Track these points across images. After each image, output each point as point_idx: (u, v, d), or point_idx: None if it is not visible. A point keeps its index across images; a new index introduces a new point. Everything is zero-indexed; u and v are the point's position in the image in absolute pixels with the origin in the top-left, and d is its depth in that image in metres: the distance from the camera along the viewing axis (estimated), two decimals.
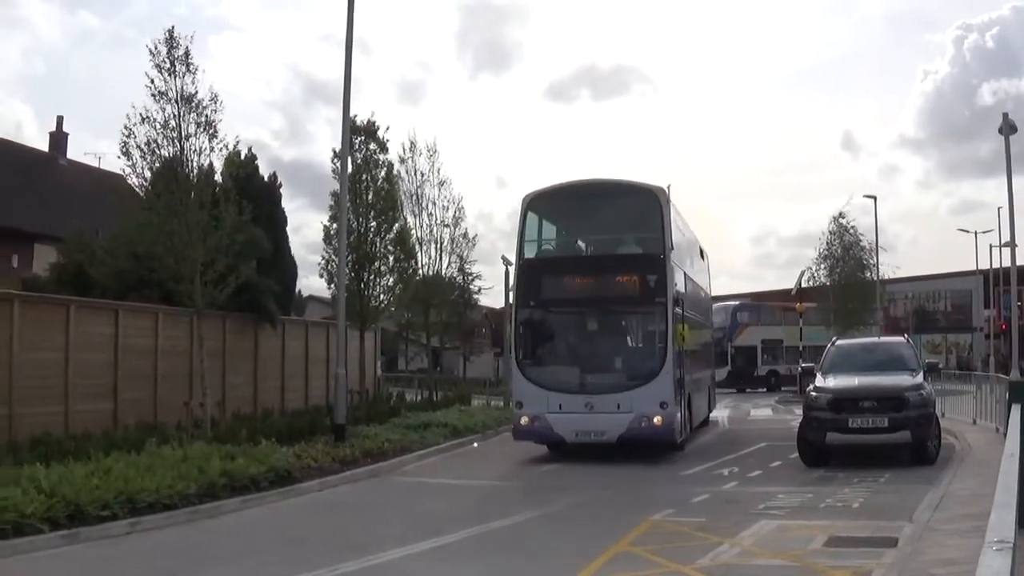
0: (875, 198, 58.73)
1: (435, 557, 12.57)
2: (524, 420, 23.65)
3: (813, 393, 21.48)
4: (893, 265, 59.93)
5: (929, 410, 20.83)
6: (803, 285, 59.13)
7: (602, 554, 12.31)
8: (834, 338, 27.28)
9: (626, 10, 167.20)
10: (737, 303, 68.21)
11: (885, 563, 11.13)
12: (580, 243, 26.98)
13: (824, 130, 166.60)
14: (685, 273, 26.76)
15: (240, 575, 12.22)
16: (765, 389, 61.73)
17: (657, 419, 22.44)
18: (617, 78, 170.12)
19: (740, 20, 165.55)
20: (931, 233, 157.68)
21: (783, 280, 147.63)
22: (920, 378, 21.48)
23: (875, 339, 28.65)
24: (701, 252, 34.05)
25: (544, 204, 25.49)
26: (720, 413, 38.60)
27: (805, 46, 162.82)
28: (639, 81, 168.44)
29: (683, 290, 25.56)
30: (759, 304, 71.14)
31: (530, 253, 25.39)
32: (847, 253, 56.33)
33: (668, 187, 25.53)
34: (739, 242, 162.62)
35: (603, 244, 25.99)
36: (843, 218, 56.31)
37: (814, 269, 58.06)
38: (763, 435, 28.38)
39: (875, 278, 56.88)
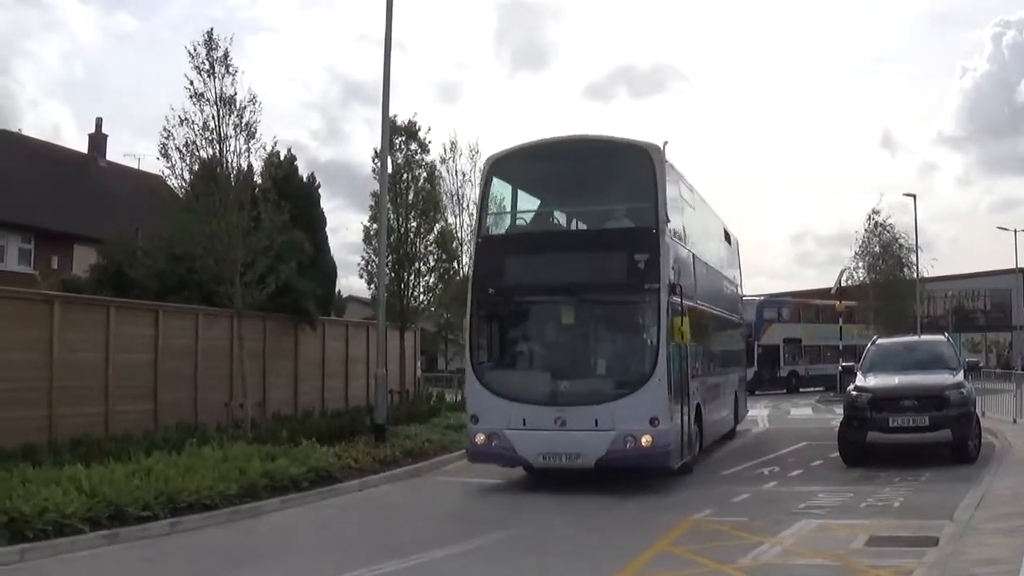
0: (914, 196, 58.40)
1: (477, 558, 12.60)
2: (480, 438, 18.86)
3: (854, 392, 21.39)
4: (931, 259, 59.45)
5: (969, 409, 20.71)
6: (843, 284, 58.91)
7: (643, 553, 12.33)
8: (875, 337, 27.12)
9: (662, 8, 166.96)
10: (762, 298, 62.54)
11: (926, 562, 11.06)
12: (556, 216, 22.22)
13: (863, 127, 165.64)
14: (694, 255, 22.25)
15: (282, 575, 12.32)
16: (785, 391, 58.69)
17: (646, 439, 17.65)
18: (654, 77, 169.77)
19: (777, 18, 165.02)
20: (970, 231, 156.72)
21: (822, 279, 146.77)
22: (960, 377, 21.39)
23: (915, 338, 28.44)
24: (727, 235, 29.95)
25: (512, 168, 20.87)
26: (759, 412, 38.43)
27: (843, 43, 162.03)
28: (676, 79, 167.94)
29: (690, 274, 21.37)
30: (783, 300, 67.80)
31: (494, 228, 21.26)
32: (886, 251, 56.07)
33: (664, 144, 21.03)
34: (778, 241, 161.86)
35: (582, 217, 21.66)
36: (877, 215, 56.10)
37: (852, 268, 57.90)
38: (803, 434, 28.22)
39: (915, 276, 56.59)
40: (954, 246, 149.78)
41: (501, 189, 21.41)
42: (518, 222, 21.40)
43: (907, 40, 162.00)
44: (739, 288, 32.70)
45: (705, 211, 25.65)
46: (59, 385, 19.98)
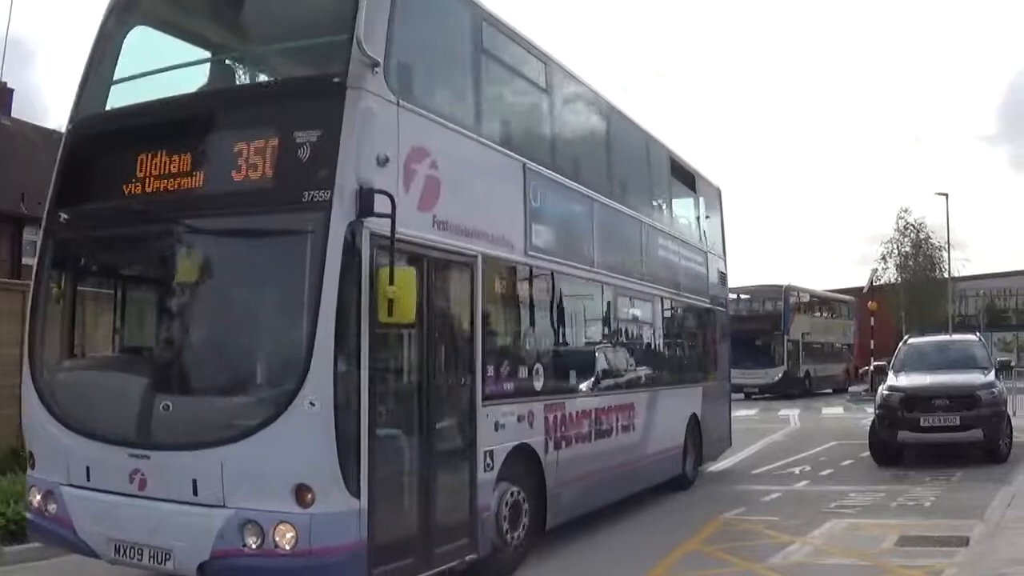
0: (946, 195, 58.13)
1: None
2: (35, 500, 10.09)
3: (885, 392, 21.40)
4: (963, 259, 59.39)
5: (1001, 408, 20.70)
6: (874, 284, 58.84)
7: (673, 552, 12.43)
8: (906, 336, 27.10)
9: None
10: (786, 284, 55.87)
11: (957, 562, 11.12)
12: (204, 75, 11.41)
13: (896, 125, 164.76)
14: (527, 167, 12.37)
15: None
16: (798, 393, 51.96)
17: (284, 531, 8.49)
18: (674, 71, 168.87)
19: (812, 13, 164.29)
20: (1004, 229, 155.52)
21: (854, 278, 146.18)
22: (992, 376, 21.40)
23: (947, 337, 28.39)
24: (678, 170, 19.84)
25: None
26: (790, 411, 38.43)
27: (878, 38, 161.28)
28: (709, 75, 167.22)
29: (479, 192, 11.15)
30: (802, 288, 59.03)
31: (94, 108, 10.93)
32: (917, 250, 56.00)
33: None
34: (812, 240, 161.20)
35: (231, 72, 11.47)
36: (908, 213, 56.04)
37: (880, 267, 57.90)
38: (834, 433, 28.24)
39: (947, 275, 56.45)
40: (987, 244, 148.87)
41: (126, 43, 11.10)
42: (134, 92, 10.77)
43: (943, 35, 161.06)
44: (711, 260, 21.40)
45: (587, 102, 15.40)
46: None
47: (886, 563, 11.45)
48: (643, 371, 16.73)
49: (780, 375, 51.67)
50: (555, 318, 13.24)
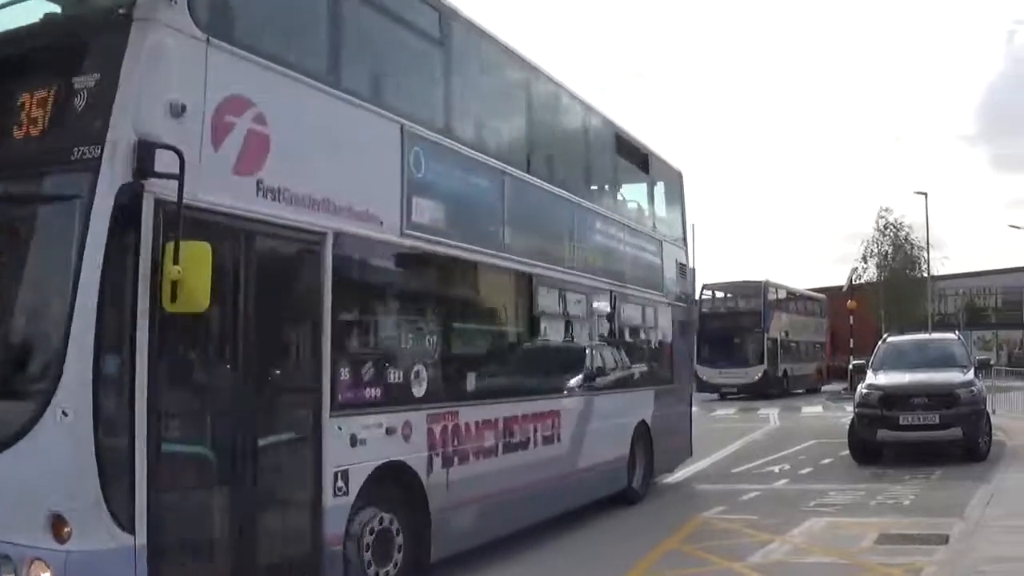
0: (925, 195, 58.24)
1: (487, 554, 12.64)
2: None
3: (864, 390, 21.44)
4: (942, 257, 59.57)
5: (980, 407, 20.74)
6: (853, 282, 58.99)
7: (651, 552, 12.35)
8: (885, 335, 27.14)
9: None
10: (765, 279, 53.48)
11: (936, 560, 11.09)
12: None
13: (875, 124, 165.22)
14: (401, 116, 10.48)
15: None
16: (777, 393, 50.05)
17: (37, 570, 6.77)
18: (644, 69, 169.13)
19: (792, 11, 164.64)
20: (982, 228, 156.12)
21: (832, 277, 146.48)
22: (971, 375, 21.47)
23: (926, 336, 28.49)
24: (623, 146, 17.52)
25: None
26: (769, 411, 38.48)
27: (858, 37, 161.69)
28: (681, 73, 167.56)
29: (312, 145, 9.05)
30: (779, 284, 56.99)
31: None
32: (897, 251, 56.20)
33: None
34: (791, 239, 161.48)
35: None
36: (888, 212, 56.23)
37: (861, 267, 58.08)
38: (813, 432, 28.25)
39: (926, 275, 56.62)
40: (966, 243, 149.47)
41: None
42: None
43: (921, 35, 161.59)
44: (668, 250, 19.17)
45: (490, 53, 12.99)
46: None
47: (866, 561, 11.40)
48: (574, 373, 14.71)
49: (760, 374, 50.19)
50: (447, 310, 11.33)
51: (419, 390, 10.38)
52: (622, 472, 15.99)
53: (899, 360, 22.81)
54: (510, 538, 12.06)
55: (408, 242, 10.38)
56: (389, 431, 9.74)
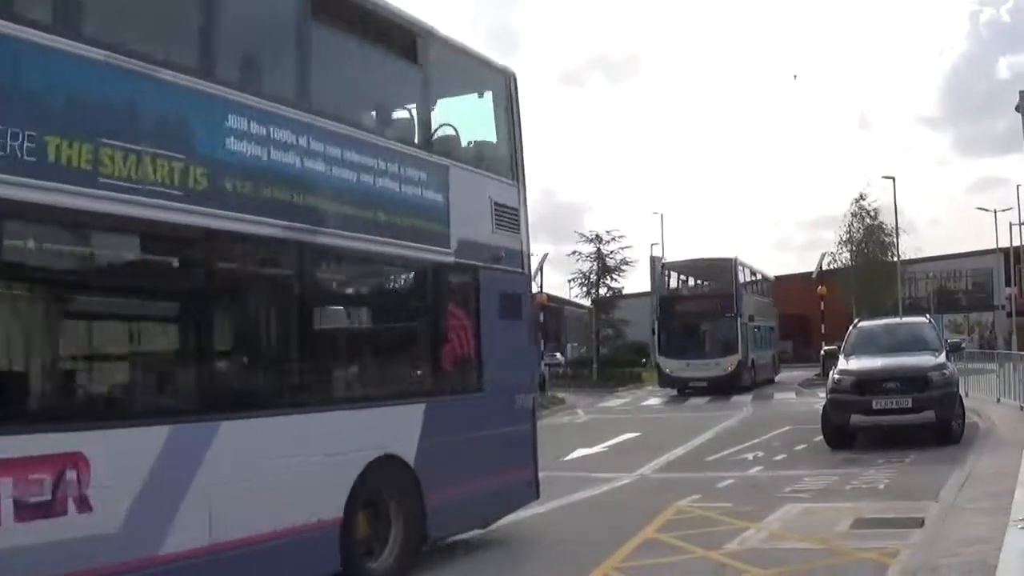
0: (893, 179, 58.18)
1: (465, 545, 12.62)
2: None
3: (836, 375, 21.51)
4: (914, 246, 59.69)
5: (952, 389, 20.78)
6: (824, 268, 59.11)
7: (629, 541, 12.30)
8: (856, 320, 27.20)
9: None
10: (734, 256, 48.09)
11: (912, 544, 11.12)
12: None
13: (839, 109, 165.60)
14: None
15: None
16: (749, 385, 44.83)
17: None
18: (628, 62, 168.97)
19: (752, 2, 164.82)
20: (950, 212, 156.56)
21: (802, 263, 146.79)
22: (943, 358, 21.53)
23: (897, 320, 28.54)
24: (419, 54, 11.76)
25: None
26: (742, 398, 38.58)
27: (819, 25, 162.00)
28: (651, 64, 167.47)
29: None
30: (750, 265, 52.64)
31: None
32: (870, 237, 56.42)
33: None
34: (757, 226, 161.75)
35: None
36: (864, 199, 56.43)
37: (836, 253, 58.22)
38: (787, 418, 28.34)
39: (896, 259, 56.85)
40: (934, 227, 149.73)
41: None
42: None
43: (883, 19, 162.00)
44: (471, 183, 12.51)
45: None
46: None
47: (841, 546, 11.41)
48: (178, 382, 8.84)
49: (732, 365, 43.94)
50: None
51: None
52: (321, 549, 9.52)
53: (871, 345, 22.89)
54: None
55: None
56: None
